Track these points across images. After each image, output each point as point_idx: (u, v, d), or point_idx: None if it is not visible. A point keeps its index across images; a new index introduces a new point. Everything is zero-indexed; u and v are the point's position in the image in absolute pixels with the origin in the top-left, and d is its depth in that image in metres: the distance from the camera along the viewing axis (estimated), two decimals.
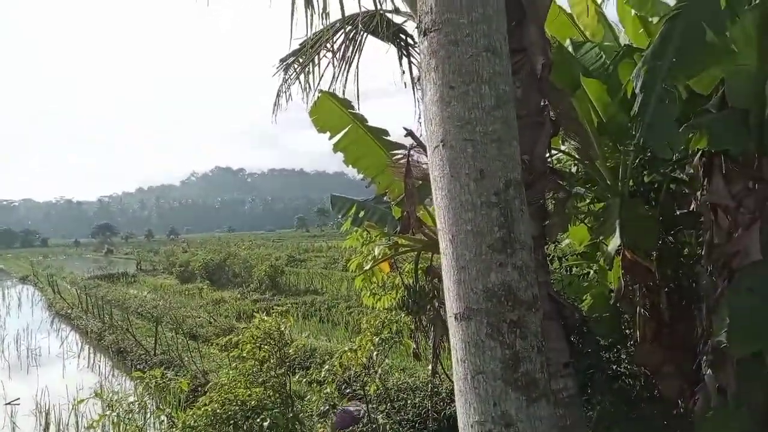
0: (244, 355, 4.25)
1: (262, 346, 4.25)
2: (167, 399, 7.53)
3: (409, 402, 6.45)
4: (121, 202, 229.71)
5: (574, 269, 5.76)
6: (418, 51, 1.83)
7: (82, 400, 4.93)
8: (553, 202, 3.71)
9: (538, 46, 2.73)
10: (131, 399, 4.42)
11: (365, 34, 4.90)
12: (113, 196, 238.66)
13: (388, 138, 4.99)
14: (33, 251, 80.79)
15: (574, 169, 5.12)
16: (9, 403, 9.10)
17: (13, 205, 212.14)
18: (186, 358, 10.34)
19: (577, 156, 4.50)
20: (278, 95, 6.94)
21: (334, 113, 5.00)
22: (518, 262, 1.67)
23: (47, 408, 8.40)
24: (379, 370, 5.09)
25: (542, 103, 3.05)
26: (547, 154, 3.39)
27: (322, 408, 5.21)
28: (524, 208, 1.72)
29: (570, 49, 4.14)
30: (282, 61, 6.27)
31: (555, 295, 3.45)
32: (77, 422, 7.57)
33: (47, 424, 8.14)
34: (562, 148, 4.84)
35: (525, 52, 2.77)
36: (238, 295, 19.82)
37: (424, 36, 1.78)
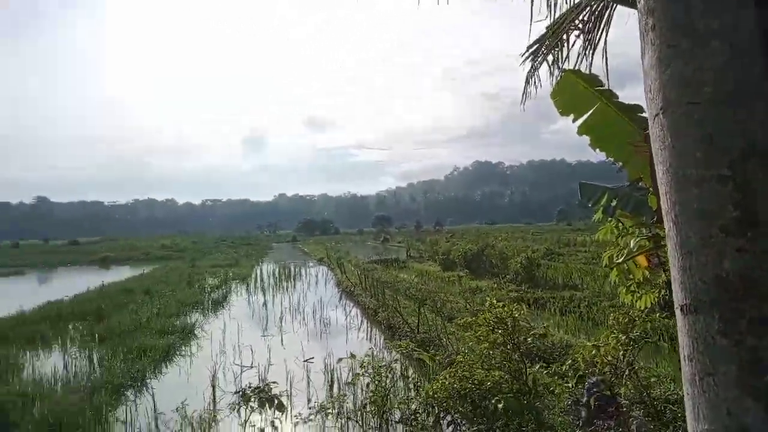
0: (479, 336, 4.36)
1: (495, 330, 4.30)
2: (423, 371, 8.23)
3: (679, 416, 5.69)
4: (395, 195, 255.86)
5: None
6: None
7: (341, 359, 5.76)
8: None
9: None
10: (382, 364, 5.00)
11: (614, 5, 4.48)
12: (389, 191, 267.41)
13: (642, 115, 4.44)
14: (328, 238, 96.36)
15: None
16: (305, 361, 11.13)
17: (314, 199, 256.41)
18: (444, 339, 11.09)
19: None
20: (527, 83, 6.86)
21: (578, 92, 4.65)
22: (762, 248, 1.37)
23: (332, 367, 10.05)
24: (627, 371, 4.64)
25: None
26: None
27: (566, 401, 5.01)
28: None
29: None
30: (528, 48, 6.19)
31: None
32: (353, 380, 8.78)
33: (332, 380, 9.75)
34: None
35: None
36: (494, 285, 20.23)
37: None
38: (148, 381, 10.72)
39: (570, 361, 4.80)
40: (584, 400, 4.05)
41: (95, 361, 12.05)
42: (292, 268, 33.63)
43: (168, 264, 43.47)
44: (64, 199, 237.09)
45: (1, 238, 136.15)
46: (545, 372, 5.31)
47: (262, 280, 28.46)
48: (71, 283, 30.70)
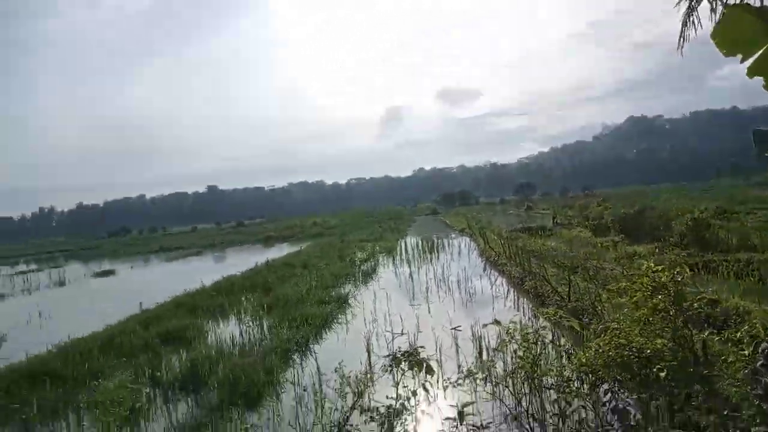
0: (636, 302, 4.05)
1: (654, 295, 3.95)
2: (576, 339, 7.90)
3: None
4: (537, 161, 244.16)
5: None
6: None
7: (486, 325, 5.75)
8: None
9: None
10: (528, 331, 4.90)
11: None
12: (530, 157, 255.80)
13: None
14: (468, 208, 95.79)
15: None
16: (453, 329, 11.33)
17: (452, 171, 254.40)
18: (599, 307, 10.53)
19: None
20: (684, 26, 6.15)
21: (746, 28, 3.98)
22: None
23: (479, 335, 10.11)
24: None
25: None
26: None
27: (742, 371, 4.45)
28: None
29: None
30: None
31: None
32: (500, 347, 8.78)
33: (480, 347, 9.83)
34: None
35: None
36: (655, 249, 18.59)
37: None
38: (310, 346, 11.76)
39: (746, 327, 4.26)
40: (759, 364, 3.56)
41: (265, 328, 13.50)
42: (435, 240, 34.05)
43: (321, 240, 46.82)
44: (230, 186, 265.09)
45: (182, 223, 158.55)
46: (716, 339, 4.77)
47: (406, 252, 29.30)
48: (241, 260, 34.61)
